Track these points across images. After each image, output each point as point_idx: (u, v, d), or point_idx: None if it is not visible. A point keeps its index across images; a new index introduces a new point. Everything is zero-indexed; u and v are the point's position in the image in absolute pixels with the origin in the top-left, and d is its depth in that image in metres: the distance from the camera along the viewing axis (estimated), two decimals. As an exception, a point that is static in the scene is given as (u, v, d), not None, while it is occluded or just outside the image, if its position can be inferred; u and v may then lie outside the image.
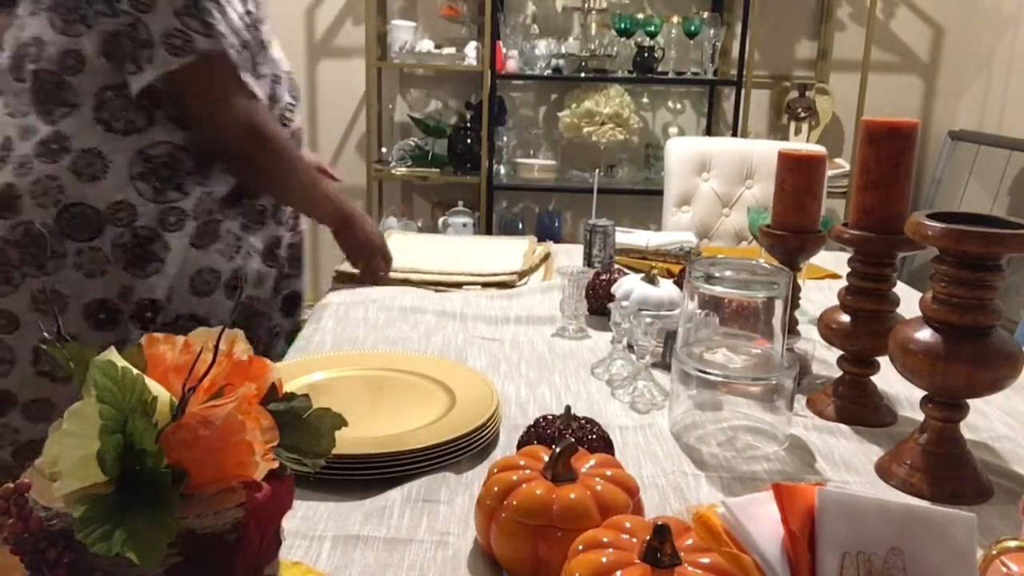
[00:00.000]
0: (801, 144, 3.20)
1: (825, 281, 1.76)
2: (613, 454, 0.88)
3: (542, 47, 3.44)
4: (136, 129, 1.31)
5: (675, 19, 3.45)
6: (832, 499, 0.57)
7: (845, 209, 3.48)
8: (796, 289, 1.23)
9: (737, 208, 2.55)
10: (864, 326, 1.07)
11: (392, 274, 1.64)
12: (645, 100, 3.73)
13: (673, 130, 3.74)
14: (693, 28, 3.41)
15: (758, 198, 2.51)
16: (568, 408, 0.89)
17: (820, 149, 2.27)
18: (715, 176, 2.56)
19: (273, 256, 1.49)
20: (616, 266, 1.69)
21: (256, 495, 0.56)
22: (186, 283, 1.36)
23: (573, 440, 0.76)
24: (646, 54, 3.41)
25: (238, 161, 1.38)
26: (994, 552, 0.62)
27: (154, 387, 0.55)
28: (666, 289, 1.35)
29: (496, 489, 0.74)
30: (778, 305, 0.99)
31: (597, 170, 2.82)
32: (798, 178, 1.19)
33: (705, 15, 3.45)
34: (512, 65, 3.40)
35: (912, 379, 0.91)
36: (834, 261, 1.85)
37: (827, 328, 1.11)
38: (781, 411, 1.01)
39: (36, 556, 0.52)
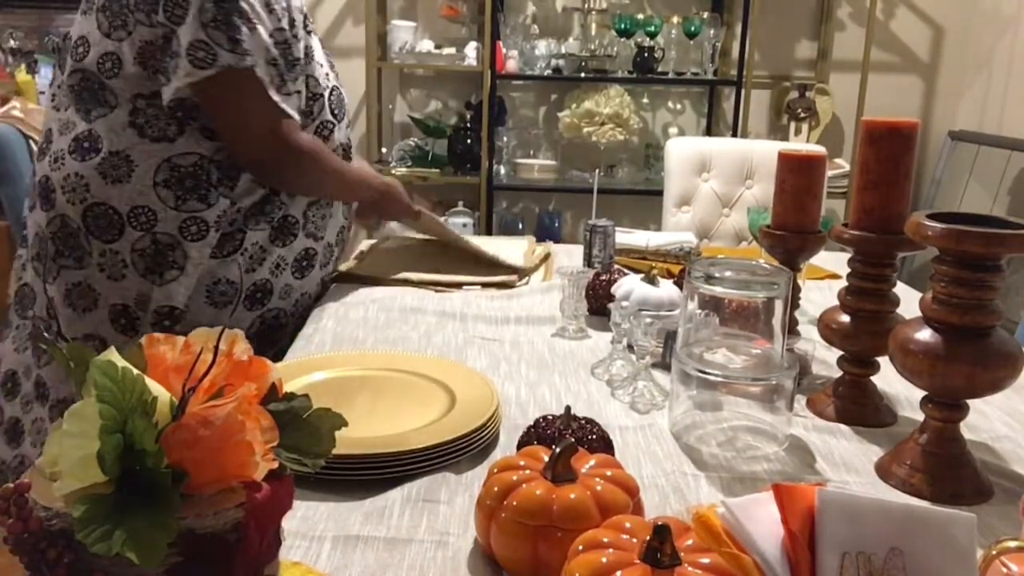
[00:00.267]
0: (801, 144, 3.20)
1: (825, 281, 1.76)
2: (613, 454, 0.88)
3: (542, 47, 3.44)
4: (167, 137, 1.33)
5: (675, 19, 3.45)
6: (832, 499, 0.57)
7: (845, 209, 3.48)
8: (796, 289, 1.23)
9: (737, 208, 2.55)
10: (864, 326, 1.07)
11: (392, 275, 1.64)
12: (645, 100, 3.73)
13: (673, 130, 3.74)
14: (693, 28, 3.41)
15: (758, 198, 2.51)
16: (568, 408, 0.89)
17: (820, 149, 2.27)
18: (715, 176, 2.56)
19: (302, 270, 1.48)
20: (616, 266, 1.69)
21: (256, 495, 0.55)
22: (203, 294, 1.37)
23: (573, 440, 0.76)
24: (646, 54, 3.41)
25: (265, 173, 1.39)
26: (994, 552, 0.62)
27: (154, 387, 0.55)
28: (666, 289, 1.35)
29: (496, 489, 0.74)
30: (778, 305, 0.99)
31: (597, 170, 2.82)
32: (798, 178, 1.19)
33: (705, 15, 3.45)
34: (512, 65, 3.40)
35: (912, 379, 0.91)
36: (834, 261, 1.85)
37: (827, 328, 1.11)
38: (781, 411, 1.01)
39: (36, 556, 0.52)
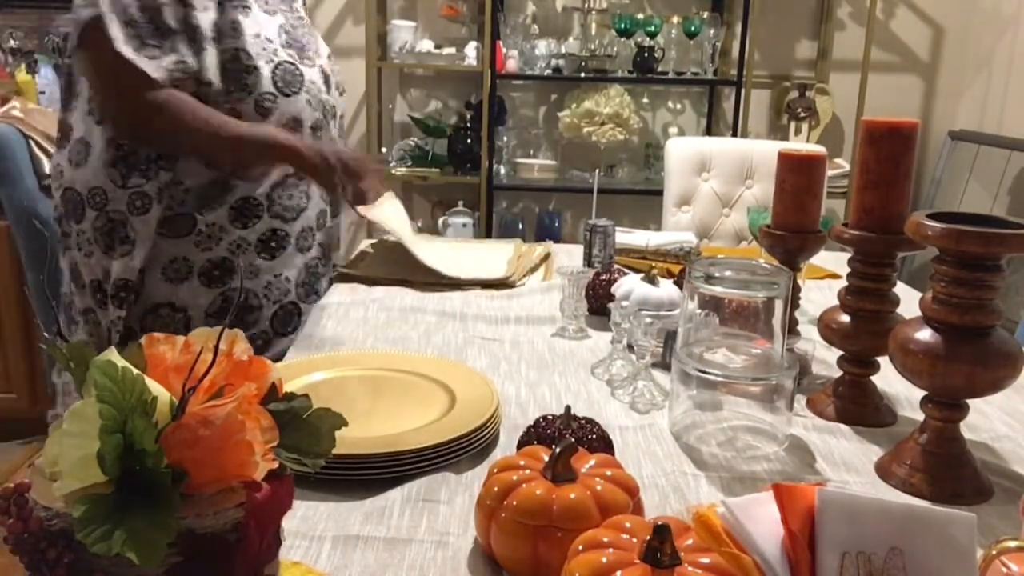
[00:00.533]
0: (801, 144, 3.20)
1: (825, 281, 1.76)
2: (613, 454, 0.88)
3: (542, 47, 3.44)
4: None
5: (675, 19, 3.44)
6: (832, 499, 0.57)
7: (845, 209, 3.48)
8: (796, 289, 1.23)
9: (737, 208, 2.55)
10: (864, 326, 1.07)
11: (391, 277, 1.64)
12: (645, 100, 3.73)
13: (673, 130, 3.74)
14: (693, 28, 3.41)
15: (758, 198, 2.51)
16: (568, 408, 0.89)
17: (820, 149, 2.27)
18: (715, 176, 2.56)
19: (271, 251, 1.49)
20: (616, 266, 1.69)
21: (256, 495, 0.55)
22: (158, 270, 1.43)
23: (573, 440, 0.76)
24: (646, 54, 3.41)
25: (122, 128, 1.41)
26: (994, 552, 0.62)
27: (154, 387, 0.55)
28: (666, 289, 1.35)
29: (496, 489, 0.74)
30: (778, 305, 0.99)
31: (597, 170, 2.82)
32: (798, 178, 1.19)
33: (705, 15, 3.45)
34: (512, 65, 3.40)
35: (912, 379, 0.91)
36: (834, 261, 1.85)
37: (827, 328, 1.11)
38: (781, 411, 1.01)
39: (36, 556, 0.52)
